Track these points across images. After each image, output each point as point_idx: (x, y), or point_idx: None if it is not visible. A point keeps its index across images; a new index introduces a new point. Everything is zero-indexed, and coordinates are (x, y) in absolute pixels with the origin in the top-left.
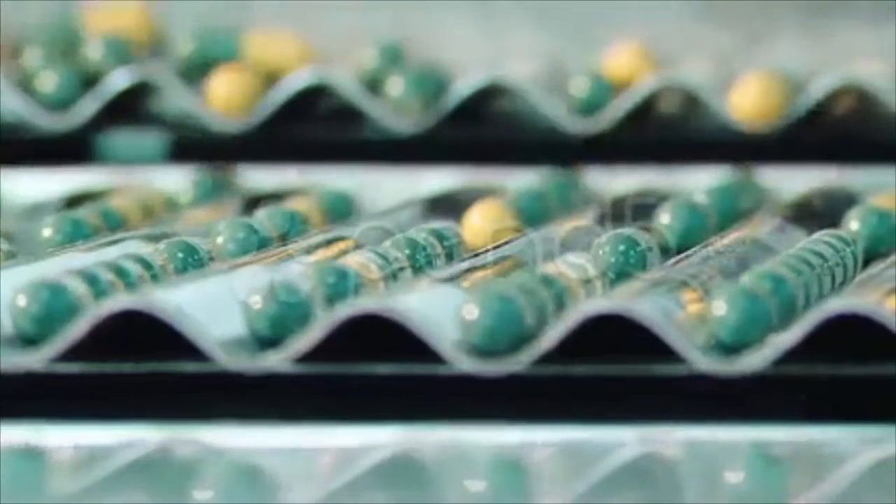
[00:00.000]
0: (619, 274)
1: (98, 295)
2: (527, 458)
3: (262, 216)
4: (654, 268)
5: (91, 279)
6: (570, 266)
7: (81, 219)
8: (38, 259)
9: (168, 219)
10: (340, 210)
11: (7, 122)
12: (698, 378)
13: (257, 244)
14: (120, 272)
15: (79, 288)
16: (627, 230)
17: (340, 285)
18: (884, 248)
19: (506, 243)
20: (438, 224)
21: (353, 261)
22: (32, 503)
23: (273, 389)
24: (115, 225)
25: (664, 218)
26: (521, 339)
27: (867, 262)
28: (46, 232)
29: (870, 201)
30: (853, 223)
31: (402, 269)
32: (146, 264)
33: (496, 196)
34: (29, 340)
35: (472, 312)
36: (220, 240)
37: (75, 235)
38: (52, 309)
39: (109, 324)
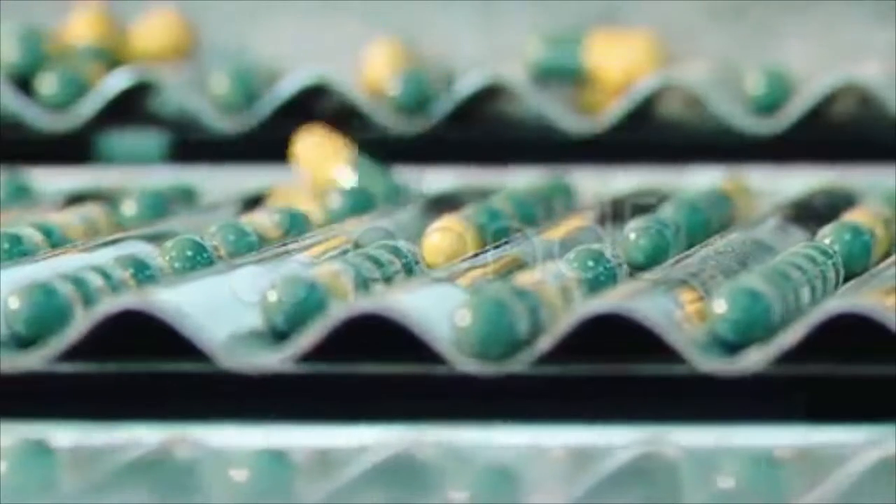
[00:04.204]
0: (589, 290)
1: (87, 299)
2: (526, 458)
3: (214, 231)
4: (623, 282)
5: (77, 282)
6: (550, 275)
7: (22, 236)
8: (30, 261)
9: (116, 234)
10: (298, 225)
11: (7, 122)
12: (698, 378)
13: (205, 261)
14: (78, 283)
15: (68, 290)
16: (597, 245)
17: (311, 297)
18: (858, 265)
19: (505, 243)
20: (396, 241)
21: (324, 271)
22: (33, 503)
23: (273, 389)
24: (56, 242)
25: (632, 235)
26: (514, 345)
27: (844, 280)
28: None
29: (844, 217)
30: (826, 240)
31: (373, 279)
32: (104, 274)
33: (456, 214)
34: (22, 343)
35: (465, 319)
36: (167, 258)
37: (13, 253)
38: (45, 312)
39: (109, 324)
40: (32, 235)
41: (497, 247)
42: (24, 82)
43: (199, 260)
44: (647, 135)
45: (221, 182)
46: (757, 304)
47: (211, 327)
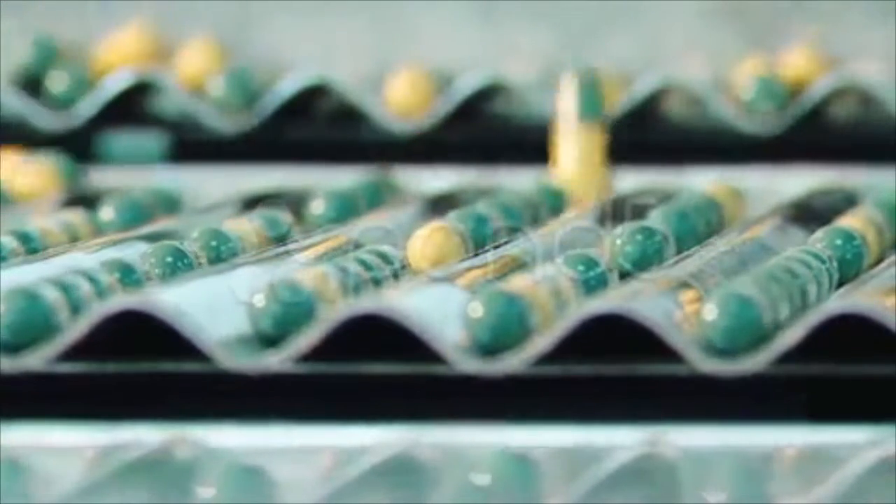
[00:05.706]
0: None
1: (73, 303)
2: (527, 458)
3: (194, 237)
4: (613, 286)
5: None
6: (544, 277)
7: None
8: (31, 261)
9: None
10: (281, 230)
11: (9, 121)
12: (698, 378)
13: (186, 267)
14: (64, 287)
15: (53, 295)
16: (586, 251)
17: (298, 302)
18: (850, 270)
19: (505, 244)
20: (383, 246)
21: (313, 275)
22: (32, 503)
23: (273, 389)
24: (35, 248)
25: (618, 241)
26: (526, 338)
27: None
28: None
29: (837, 222)
30: (818, 244)
31: (363, 281)
32: (90, 278)
33: (441, 221)
34: (7, 348)
35: (476, 311)
36: (146, 264)
37: None
38: (29, 317)
39: (109, 324)
40: (9, 242)
41: (497, 247)
42: (25, 82)
43: (179, 266)
44: (647, 135)
45: (221, 182)
46: (748, 310)
47: (210, 327)
